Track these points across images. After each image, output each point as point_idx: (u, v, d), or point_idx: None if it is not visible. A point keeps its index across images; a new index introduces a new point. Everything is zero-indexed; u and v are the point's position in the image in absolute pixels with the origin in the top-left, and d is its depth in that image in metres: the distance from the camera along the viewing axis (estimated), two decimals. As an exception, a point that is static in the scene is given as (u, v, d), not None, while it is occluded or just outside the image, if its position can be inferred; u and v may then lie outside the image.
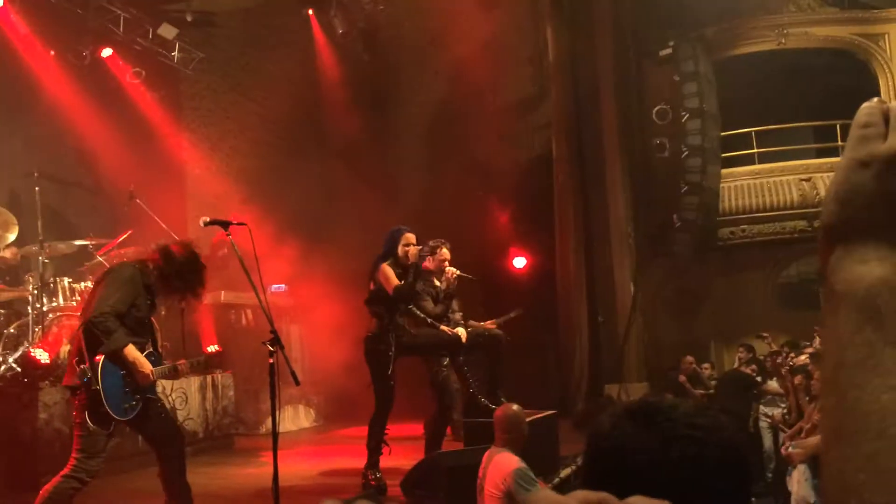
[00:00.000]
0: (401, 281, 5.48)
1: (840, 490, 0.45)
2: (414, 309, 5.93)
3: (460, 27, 9.75)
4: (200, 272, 4.28)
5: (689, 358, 9.54)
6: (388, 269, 5.54)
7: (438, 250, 6.18)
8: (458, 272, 6.05)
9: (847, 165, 0.54)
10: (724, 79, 10.73)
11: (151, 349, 4.26)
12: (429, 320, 5.99)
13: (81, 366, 3.94)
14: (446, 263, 6.13)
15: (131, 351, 4.00)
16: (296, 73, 10.48)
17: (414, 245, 5.61)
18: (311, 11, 10.61)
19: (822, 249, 0.54)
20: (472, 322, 6.86)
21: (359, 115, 10.58)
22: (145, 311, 4.18)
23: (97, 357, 3.94)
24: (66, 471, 3.93)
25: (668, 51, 10.33)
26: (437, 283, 6.19)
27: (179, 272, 4.20)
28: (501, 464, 4.13)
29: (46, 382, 5.97)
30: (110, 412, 3.94)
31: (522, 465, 4.08)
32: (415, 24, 10.23)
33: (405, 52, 10.65)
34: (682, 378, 9.18)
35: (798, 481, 5.66)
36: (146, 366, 4.03)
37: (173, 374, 4.42)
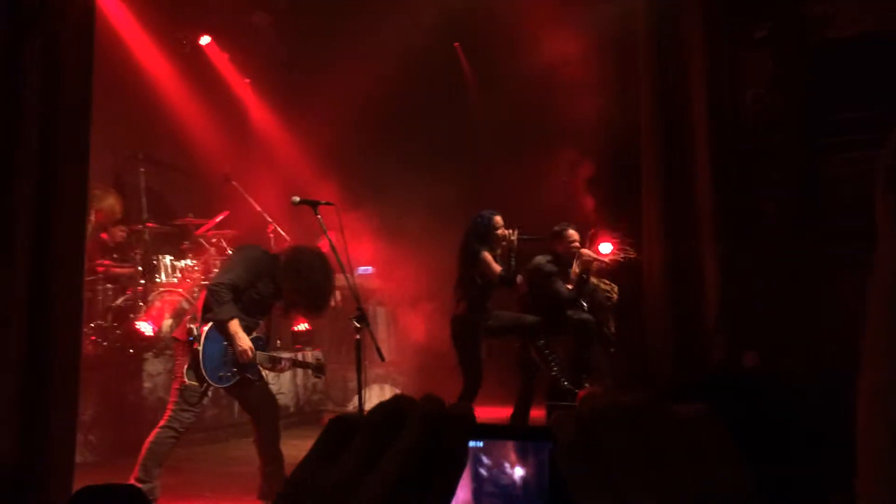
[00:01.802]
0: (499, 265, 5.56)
1: (869, 448, 0.47)
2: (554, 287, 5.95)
3: (548, 10, 9.68)
4: (319, 290, 4.39)
5: (752, 354, 9.36)
6: (488, 257, 5.60)
7: (564, 233, 6.16)
8: (593, 256, 6.03)
9: None
10: (825, 62, 10.28)
11: (260, 334, 4.46)
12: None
13: (192, 324, 4.18)
14: (576, 245, 6.12)
15: (234, 325, 4.19)
16: (387, 58, 10.60)
17: (503, 227, 5.66)
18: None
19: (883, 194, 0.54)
20: None
21: (448, 100, 10.63)
22: (265, 296, 4.36)
23: (206, 322, 4.18)
24: (162, 421, 4.22)
25: (764, 32, 9.97)
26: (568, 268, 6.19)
27: (297, 278, 4.31)
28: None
29: (150, 354, 6.30)
30: (205, 374, 4.18)
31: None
32: (503, 8, 10.18)
33: (494, 37, 10.61)
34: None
35: None
36: (244, 342, 4.21)
37: (274, 364, 4.59)
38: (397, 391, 9.35)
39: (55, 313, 3.31)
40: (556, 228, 6.19)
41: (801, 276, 10.70)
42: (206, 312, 4.20)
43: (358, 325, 4.47)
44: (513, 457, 0.41)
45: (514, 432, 0.43)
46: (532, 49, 10.03)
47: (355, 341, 4.50)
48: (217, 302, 4.14)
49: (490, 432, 0.42)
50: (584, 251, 5.98)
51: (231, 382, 4.31)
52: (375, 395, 8.71)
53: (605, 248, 9.66)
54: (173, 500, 4.64)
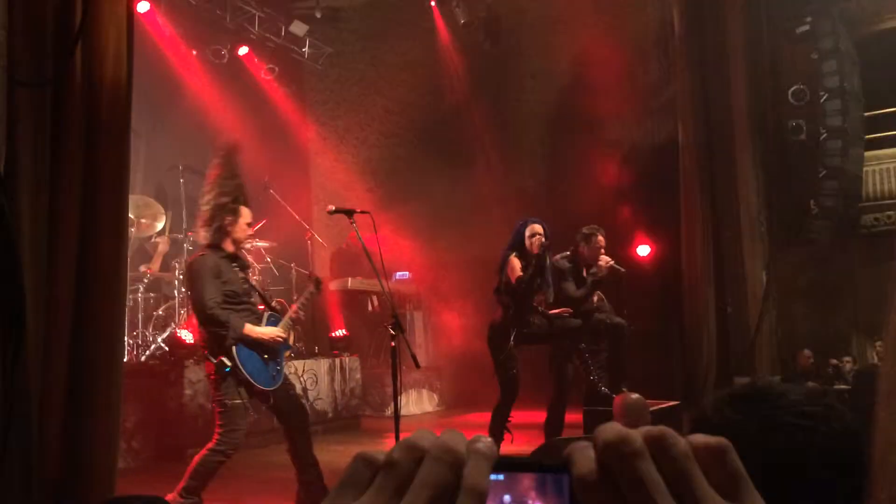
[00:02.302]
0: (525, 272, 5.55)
1: (885, 444, 0.46)
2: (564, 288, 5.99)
3: (584, 12, 9.61)
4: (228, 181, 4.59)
5: (807, 352, 9.15)
6: (514, 261, 5.63)
7: (593, 238, 6.13)
8: (612, 262, 6.01)
9: None
10: (867, 55, 10.05)
11: (266, 309, 4.52)
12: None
13: (218, 358, 4.20)
14: (602, 251, 6.10)
15: (251, 330, 4.27)
16: (419, 65, 10.66)
17: (539, 235, 5.64)
18: (433, 3, 10.75)
19: None
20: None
21: (482, 104, 10.64)
22: (237, 281, 4.39)
23: (229, 347, 4.21)
24: (211, 444, 4.22)
25: (806, 27, 9.77)
26: (584, 272, 6.15)
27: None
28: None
29: (191, 361, 6.40)
30: (263, 388, 4.26)
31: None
32: (537, 12, 10.16)
33: (527, 40, 10.60)
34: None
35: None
36: (268, 333, 4.34)
37: (294, 322, 4.73)
38: (434, 396, 9.38)
39: (97, 324, 3.38)
40: (586, 231, 6.13)
41: (845, 272, 10.46)
42: (217, 340, 4.19)
43: (393, 332, 4.50)
44: (533, 490, 0.42)
45: (534, 465, 0.43)
46: (569, 50, 9.98)
47: (391, 348, 4.53)
48: (220, 326, 4.16)
49: (510, 465, 0.42)
50: (605, 259, 5.94)
51: (282, 377, 4.42)
52: (413, 401, 8.73)
53: (644, 250, 9.58)
54: (214, 506, 4.70)
